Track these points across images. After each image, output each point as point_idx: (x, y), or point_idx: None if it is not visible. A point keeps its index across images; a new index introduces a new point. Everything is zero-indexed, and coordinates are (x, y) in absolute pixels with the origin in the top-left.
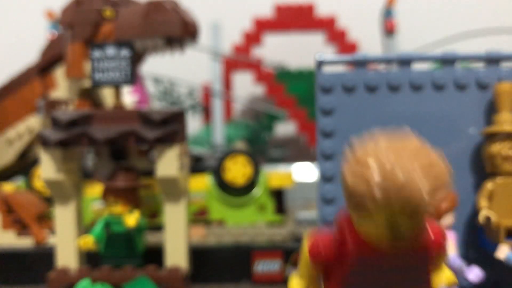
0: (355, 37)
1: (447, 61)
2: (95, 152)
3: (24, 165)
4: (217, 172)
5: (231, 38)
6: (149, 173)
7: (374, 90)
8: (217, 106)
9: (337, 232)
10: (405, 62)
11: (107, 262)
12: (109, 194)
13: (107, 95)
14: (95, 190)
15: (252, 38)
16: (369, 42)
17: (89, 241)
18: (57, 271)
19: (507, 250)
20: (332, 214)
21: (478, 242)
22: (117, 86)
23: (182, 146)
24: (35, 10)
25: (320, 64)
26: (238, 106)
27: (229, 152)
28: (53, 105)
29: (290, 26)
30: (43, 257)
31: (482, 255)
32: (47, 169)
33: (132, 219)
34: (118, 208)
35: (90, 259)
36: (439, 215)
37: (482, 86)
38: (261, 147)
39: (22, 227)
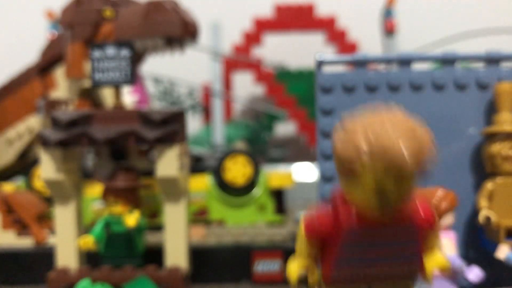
0: (355, 37)
1: (447, 61)
2: (95, 152)
3: (24, 165)
4: (217, 172)
5: (231, 38)
6: (149, 173)
7: (374, 90)
8: (217, 106)
9: (331, 206)
10: (405, 62)
11: (107, 262)
12: (109, 194)
13: (107, 95)
14: (95, 190)
15: (252, 38)
16: (369, 42)
17: (89, 241)
18: (57, 271)
19: (507, 250)
20: None
21: (478, 242)
22: (117, 86)
23: (182, 146)
24: (35, 10)
25: (320, 64)
26: (238, 106)
27: (229, 152)
28: (53, 105)
29: (290, 26)
30: (43, 257)
31: (482, 255)
32: (47, 169)
33: (132, 219)
34: (118, 208)
35: (90, 259)
36: (439, 215)
37: (482, 86)
38: (261, 147)
39: (22, 227)
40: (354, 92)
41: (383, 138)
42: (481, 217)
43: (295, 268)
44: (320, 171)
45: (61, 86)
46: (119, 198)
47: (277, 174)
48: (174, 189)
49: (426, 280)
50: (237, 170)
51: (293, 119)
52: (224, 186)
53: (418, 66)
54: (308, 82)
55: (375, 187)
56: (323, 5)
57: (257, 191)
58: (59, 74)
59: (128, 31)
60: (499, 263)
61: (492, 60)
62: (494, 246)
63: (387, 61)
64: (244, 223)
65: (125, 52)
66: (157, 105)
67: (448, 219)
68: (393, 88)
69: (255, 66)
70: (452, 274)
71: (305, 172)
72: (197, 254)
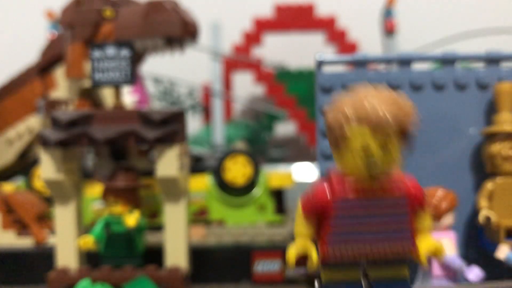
0: (355, 37)
1: (447, 61)
2: (95, 152)
3: (24, 165)
4: (217, 172)
5: (231, 38)
6: (149, 173)
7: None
8: (217, 106)
9: (326, 181)
10: (405, 62)
11: (107, 262)
12: (109, 194)
13: (107, 95)
14: (95, 190)
15: (252, 38)
16: (369, 42)
17: (89, 241)
18: (57, 271)
19: (507, 250)
20: None
21: (478, 242)
22: (117, 86)
23: (182, 146)
24: (35, 10)
25: (320, 64)
26: (238, 106)
27: (229, 152)
28: (53, 105)
29: (290, 26)
30: (43, 257)
31: (482, 255)
32: (47, 169)
33: (132, 219)
34: (118, 208)
35: (90, 259)
36: (439, 215)
37: (482, 86)
38: (261, 147)
39: (22, 227)
40: None
41: (367, 104)
42: (481, 217)
43: (293, 249)
44: (320, 171)
45: (61, 86)
46: (119, 198)
47: (277, 174)
48: (174, 189)
49: (420, 262)
50: (237, 170)
51: (293, 119)
52: (224, 186)
53: (418, 66)
54: (308, 82)
55: (362, 149)
56: (323, 5)
57: (257, 191)
58: (59, 74)
59: (128, 31)
60: (499, 263)
61: (492, 60)
62: (494, 246)
63: (387, 61)
64: (244, 223)
65: (125, 52)
66: (157, 105)
67: (448, 219)
68: (393, 88)
69: (255, 66)
70: (452, 273)
71: (305, 172)
72: (197, 254)
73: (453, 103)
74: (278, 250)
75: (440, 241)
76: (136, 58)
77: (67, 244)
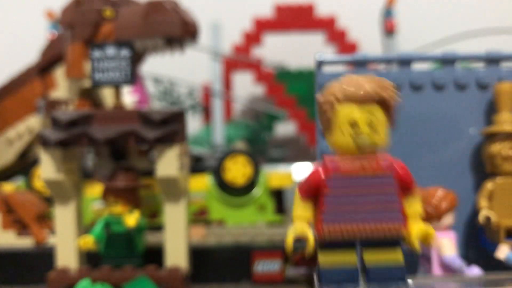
0: (355, 37)
1: (447, 61)
2: (95, 152)
3: (24, 165)
4: (217, 172)
5: (231, 38)
6: (149, 173)
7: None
8: (217, 106)
9: (320, 164)
10: (405, 62)
11: (107, 262)
12: (109, 194)
13: (107, 95)
14: (95, 190)
15: (252, 38)
16: (369, 42)
17: (89, 241)
18: (57, 271)
19: (507, 250)
20: None
21: (478, 242)
22: (117, 86)
23: (182, 146)
24: (35, 10)
25: (320, 64)
26: (238, 106)
27: (229, 152)
28: (53, 105)
29: (290, 26)
30: (43, 257)
31: (482, 255)
32: (47, 169)
33: (132, 219)
34: (118, 208)
35: (90, 259)
36: (439, 215)
37: (482, 86)
38: (261, 147)
39: (22, 227)
40: None
41: (352, 83)
42: (481, 217)
43: (291, 231)
44: None
45: (61, 86)
46: (119, 198)
47: (277, 174)
48: (174, 189)
49: (411, 246)
50: (237, 170)
51: (293, 119)
52: (224, 186)
53: (418, 66)
54: (308, 82)
55: (350, 125)
56: (323, 5)
57: (257, 191)
58: (59, 74)
59: (128, 31)
60: (499, 263)
61: (492, 60)
62: (494, 246)
63: (387, 61)
64: (244, 223)
65: (125, 52)
66: (157, 105)
67: (448, 219)
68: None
69: (255, 66)
70: (452, 273)
71: (305, 172)
72: (197, 254)
73: (453, 103)
74: (278, 250)
75: (431, 227)
76: (136, 58)
77: (67, 244)
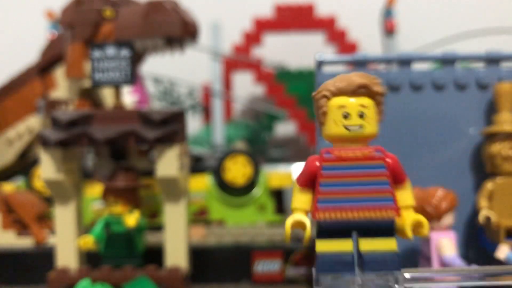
0: (355, 37)
1: (447, 61)
2: (95, 152)
3: (24, 165)
4: (217, 172)
5: (231, 38)
6: (149, 173)
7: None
8: (217, 106)
9: (318, 155)
10: (405, 62)
11: (107, 262)
12: (109, 194)
13: (107, 95)
14: (95, 190)
15: (252, 38)
16: (369, 42)
17: (89, 241)
18: (57, 271)
19: (507, 250)
20: None
21: (478, 242)
22: (117, 86)
23: (182, 146)
24: (35, 10)
25: (320, 64)
26: (238, 106)
27: (229, 152)
28: (53, 105)
29: (290, 26)
30: (43, 257)
31: (482, 255)
32: (47, 169)
33: (132, 219)
34: (118, 208)
35: (90, 259)
36: (439, 215)
37: (482, 86)
38: (261, 147)
39: (22, 227)
40: None
41: (344, 78)
42: (481, 217)
43: (289, 220)
44: None
45: (61, 86)
46: (119, 198)
47: (277, 174)
48: (174, 189)
49: (404, 236)
50: (237, 170)
51: (293, 119)
52: (224, 186)
53: (418, 66)
54: (308, 82)
55: (343, 116)
56: (323, 5)
57: (257, 191)
58: (59, 74)
59: (128, 31)
60: (499, 263)
61: (492, 60)
62: (494, 246)
63: (387, 61)
64: (244, 223)
65: (125, 52)
66: (157, 105)
67: (448, 219)
68: (393, 88)
69: (255, 66)
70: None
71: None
72: (197, 254)
73: (453, 103)
74: (278, 250)
75: (423, 217)
76: (136, 58)
77: (67, 244)
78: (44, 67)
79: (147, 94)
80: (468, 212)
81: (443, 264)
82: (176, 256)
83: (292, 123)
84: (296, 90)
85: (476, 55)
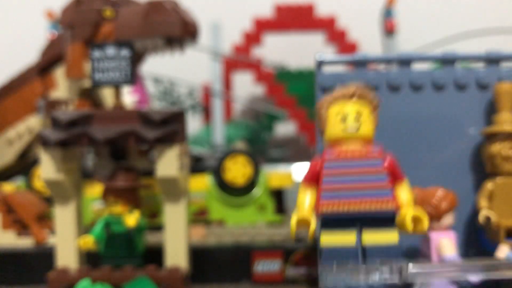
0: (355, 37)
1: (447, 61)
2: (95, 152)
3: (24, 165)
4: (217, 172)
5: (231, 38)
6: (149, 173)
7: (374, 90)
8: (217, 106)
9: (320, 156)
10: (405, 62)
11: (107, 262)
12: (109, 194)
13: (107, 95)
14: (95, 190)
15: (252, 38)
16: (369, 42)
17: (89, 241)
18: (57, 271)
19: (507, 250)
20: None
21: (478, 242)
22: (117, 86)
23: (182, 146)
24: (35, 10)
25: (320, 64)
26: (238, 106)
27: (229, 152)
28: (53, 105)
29: (290, 26)
30: (43, 257)
31: (482, 255)
32: (47, 169)
33: (132, 219)
34: (118, 208)
35: (90, 259)
36: (439, 215)
37: (482, 86)
38: (261, 147)
39: (22, 227)
40: None
41: (342, 88)
42: (481, 217)
43: (294, 216)
44: None
45: (61, 86)
46: (119, 198)
47: (277, 174)
48: (174, 189)
49: (404, 229)
50: (237, 170)
51: (293, 119)
52: (224, 186)
53: (418, 66)
54: (308, 82)
55: (341, 120)
56: (323, 5)
57: (257, 191)
58: (59, 74)
59: (128, 31)
60: None
61: (492, 60)
62: (494, 246)
63: (387, 61)
64: (244, 223)
65: (125, 52)
66: (157, 105)
67: (448, 219)
68: (393, 88)
69: (255, 66)
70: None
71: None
72: (197, 254)
73: (453, 103)
74: (278, 250)
75: (423, 213)
76: (136, 58)
77: (67, 244)
78: (44, 67)
79: (147, 94)
80: (468, 212)
81: None
82: (176, 256)
83: (292, 123)
84: (296, 90)
85: (476, 55)
